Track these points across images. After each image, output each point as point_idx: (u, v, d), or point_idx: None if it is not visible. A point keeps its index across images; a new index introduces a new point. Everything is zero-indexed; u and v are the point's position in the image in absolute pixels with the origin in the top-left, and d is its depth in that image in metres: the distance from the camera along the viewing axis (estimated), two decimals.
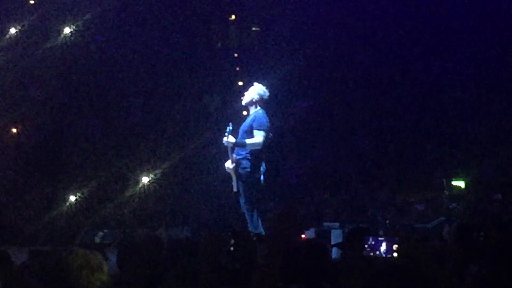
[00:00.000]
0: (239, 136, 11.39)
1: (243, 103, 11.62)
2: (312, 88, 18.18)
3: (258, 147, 11.30)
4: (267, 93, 11.59)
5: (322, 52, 18.17)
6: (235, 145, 11.31)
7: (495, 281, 5.20)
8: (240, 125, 11.56)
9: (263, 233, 10.94)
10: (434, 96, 17.76)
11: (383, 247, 5.37)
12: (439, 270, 5.66)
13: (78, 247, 6.85)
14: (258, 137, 11.29)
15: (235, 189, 11.44)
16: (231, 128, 11.36)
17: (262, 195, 11.76)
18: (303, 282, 5.70)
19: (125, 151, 16.49)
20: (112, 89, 17.57)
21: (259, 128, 11.32)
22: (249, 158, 11.31)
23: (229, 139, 11.29)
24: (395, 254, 5.33)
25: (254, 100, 11.51)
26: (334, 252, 9.69)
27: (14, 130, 16.49)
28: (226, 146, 11.38)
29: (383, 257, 5.35)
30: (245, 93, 11.65)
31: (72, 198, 15.30)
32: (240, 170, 11.32)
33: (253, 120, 11.39)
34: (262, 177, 11.45)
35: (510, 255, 5.79)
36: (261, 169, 11.42)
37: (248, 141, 11.29)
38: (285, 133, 16.55)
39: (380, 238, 5.43)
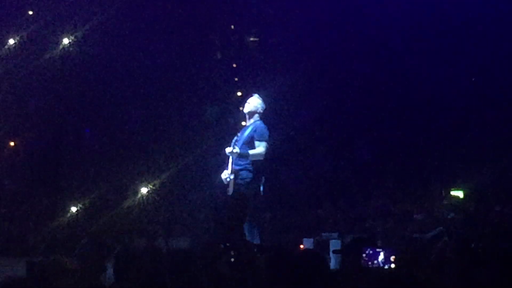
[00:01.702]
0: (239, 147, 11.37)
1: (246, 111, 11.60)
2: (311, 97, 18.17)
3: (260, 158, 11.28)
4: (264, 106, 11.64)
5: (321, 61, 18.16)
6: (238, 156, 11.28)
7: None
8: (238, 135, 11.55)
9: (260, 243, 10.93)
10: (433, 106, 17.73)
11: (381, 257, 5.39)
12: (437, 280, 5.66)
13: (76, 257, 6.85)
14: (260, 148, 11.28)
15: None
16: (238, 138, 11.37)
17: (261, 205, 11.74)
18: None
19: (124, 162, 16.49)
20: (111, 99, 17.56)
21: (260, 139, 11.32)
22: (249, 168, 11.28)
23: (235, 149, 11.26)
24: (393, 265, 5.34)
25: (256, 111, 11.52)
26: (333, 262, 9.68)
27: (13, 141, 16.50)
28: (227, 156, 11.36)
29: (381, 267, 5.36)
30: (248, 101, 11.62)
31: (72, 209, 15.29)
32: (239, 181, 11.28)
33: (254, 131, 11.37)
34: (261, 188, 11.43)
35: (509, 265, 5.79)
36: (261, 179, 11.39)
37: (251, 152, 11.27)
38: (284, 142, 16.53)
39: (378, 249, 5.45)
